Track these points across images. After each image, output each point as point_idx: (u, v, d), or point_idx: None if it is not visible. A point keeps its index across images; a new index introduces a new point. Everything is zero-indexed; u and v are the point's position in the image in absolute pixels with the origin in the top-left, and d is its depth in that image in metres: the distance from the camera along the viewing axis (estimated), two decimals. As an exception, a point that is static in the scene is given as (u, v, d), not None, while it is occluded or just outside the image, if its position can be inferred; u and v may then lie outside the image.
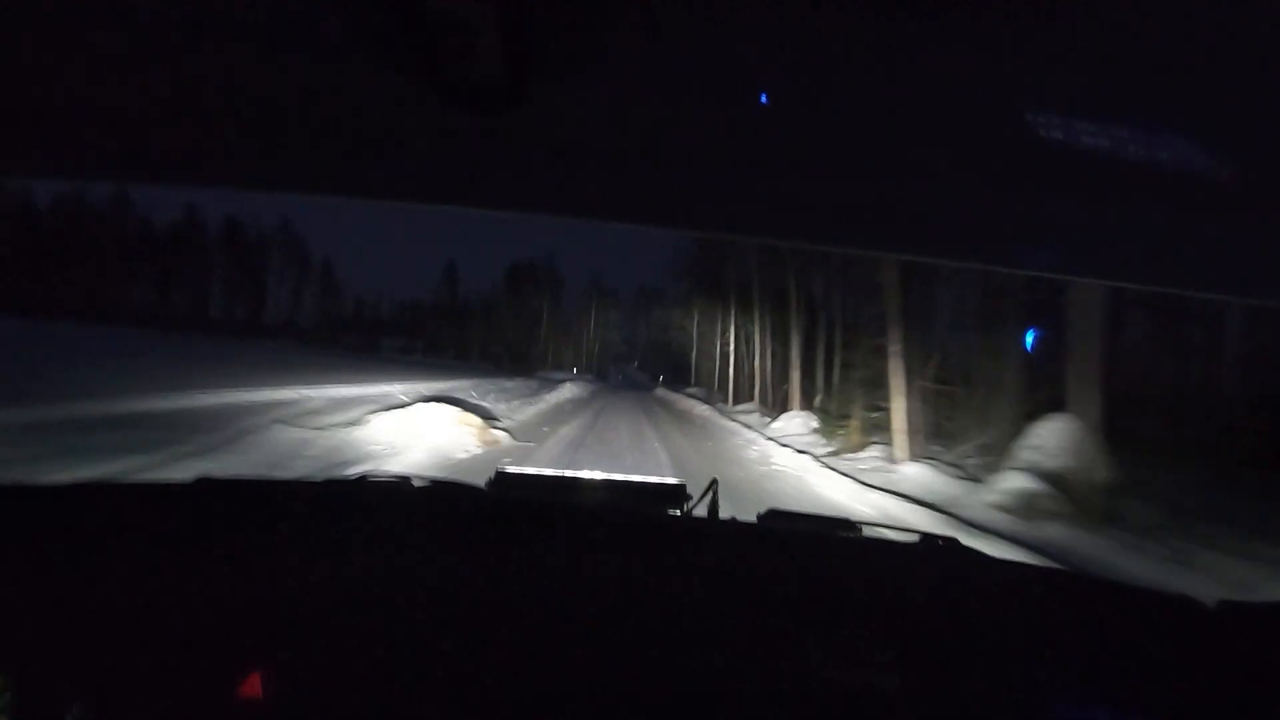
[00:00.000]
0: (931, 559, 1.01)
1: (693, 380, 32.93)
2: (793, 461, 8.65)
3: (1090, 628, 0.76)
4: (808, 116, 0.68)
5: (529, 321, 46.61)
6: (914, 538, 1.06)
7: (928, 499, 6.11)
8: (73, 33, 0.61)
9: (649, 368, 53.95)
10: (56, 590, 0.65)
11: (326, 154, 0.74)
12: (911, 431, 8.36)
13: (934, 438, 9.09)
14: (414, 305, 55.22)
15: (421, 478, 1.14)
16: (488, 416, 8.71)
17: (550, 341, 47.69)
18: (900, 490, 6.51)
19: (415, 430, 6.91)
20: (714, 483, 1.28)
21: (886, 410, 9.06)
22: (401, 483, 1.13)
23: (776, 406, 17.53)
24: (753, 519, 1.12)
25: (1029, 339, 7.67)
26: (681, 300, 34.16)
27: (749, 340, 21.89)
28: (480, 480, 1.25)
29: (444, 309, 52.71)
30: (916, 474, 7.35)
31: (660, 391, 31.10)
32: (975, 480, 6.81)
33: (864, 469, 7.99)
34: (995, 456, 7.06)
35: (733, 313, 22.96)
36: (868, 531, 1.13)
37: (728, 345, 24.22)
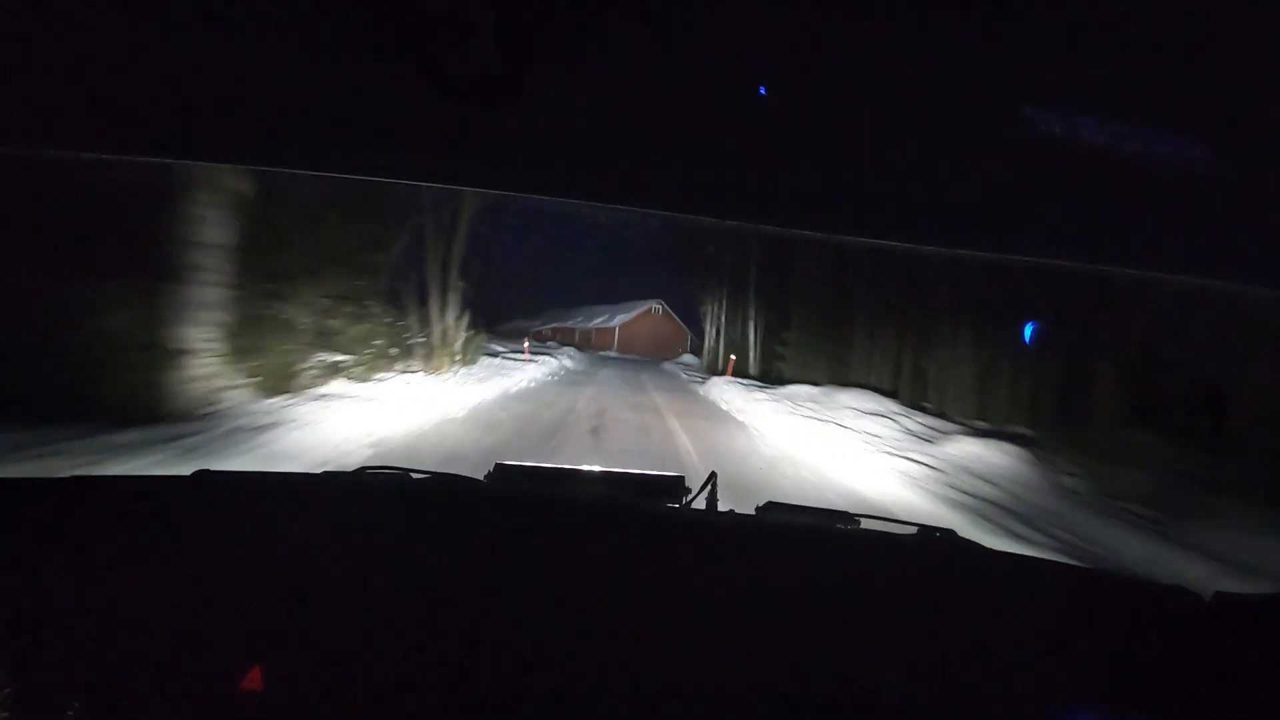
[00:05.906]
0: (928, 551, 1.01)
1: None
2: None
3: (1086, 619, 0.77)
4: (804, 107, 0.68)
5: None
6: (911, 530, 1.07)
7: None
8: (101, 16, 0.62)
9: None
10: (53, 585, 0.64)
11: (327, 138, 0.74)
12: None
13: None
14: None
15: (420, 470, 1.14)
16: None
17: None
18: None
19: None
20: (713, 475, 1.28)
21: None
22: (400, 474, 1.13)
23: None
24: (751, 511, 1.13)
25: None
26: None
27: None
28: (479, 473, 1.25)
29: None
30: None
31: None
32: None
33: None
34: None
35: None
36: (866, 524, 1.13)
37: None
